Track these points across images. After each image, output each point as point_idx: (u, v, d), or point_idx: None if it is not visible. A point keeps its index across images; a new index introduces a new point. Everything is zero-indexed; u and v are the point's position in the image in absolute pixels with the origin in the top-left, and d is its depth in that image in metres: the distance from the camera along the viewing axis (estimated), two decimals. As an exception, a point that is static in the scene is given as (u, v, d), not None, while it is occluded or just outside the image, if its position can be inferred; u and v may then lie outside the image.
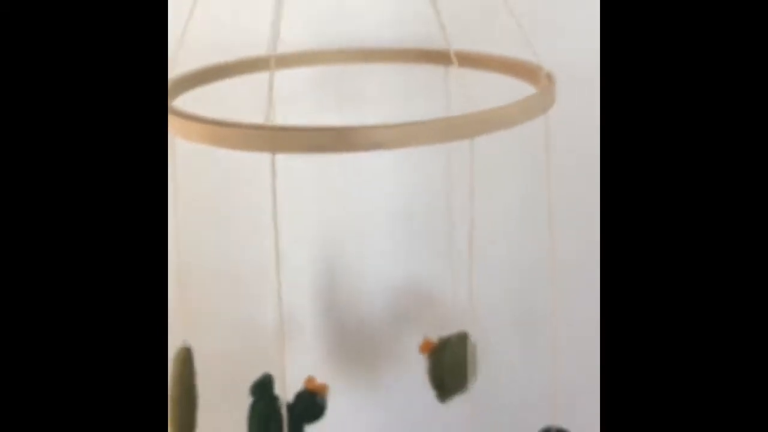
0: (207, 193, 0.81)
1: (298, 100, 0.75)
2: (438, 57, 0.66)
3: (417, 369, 0.78)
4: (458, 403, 0.74)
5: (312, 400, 0.69)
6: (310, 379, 0.70)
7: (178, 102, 0.60)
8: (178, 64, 0.60)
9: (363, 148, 0.48)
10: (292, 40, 0.68)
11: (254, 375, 0.70)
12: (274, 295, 0.76)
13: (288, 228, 0.79)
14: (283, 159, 0.69)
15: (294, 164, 0.74)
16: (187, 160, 0.61)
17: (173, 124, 0.52)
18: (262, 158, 0.64)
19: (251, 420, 0.69)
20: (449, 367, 0.75)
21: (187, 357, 0.65)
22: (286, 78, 0.70)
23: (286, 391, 0.67)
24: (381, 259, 0.85)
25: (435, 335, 0.76)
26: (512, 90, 0.59)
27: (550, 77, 0.56)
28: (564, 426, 0.64)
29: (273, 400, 0.68)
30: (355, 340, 0.88)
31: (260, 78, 0.69)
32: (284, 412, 0.66)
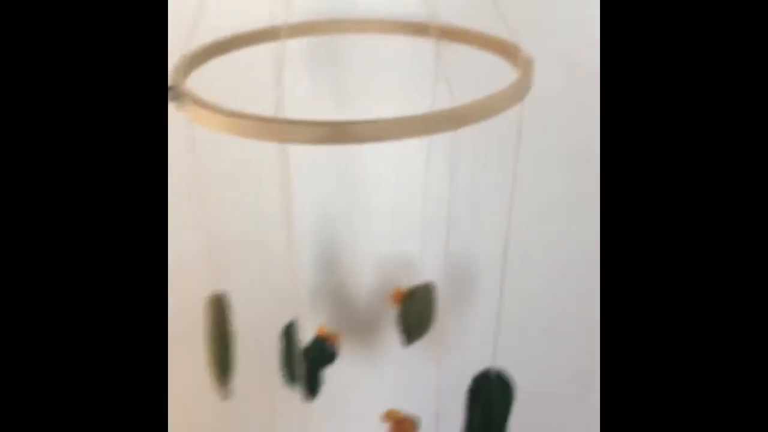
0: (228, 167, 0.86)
1: (297, 71, 0.79)
2: (424, 30, 0.71)
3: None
4: (455, 365, 0.82)
5: (323, 346, 0.79)
6: (321, 328, 0.81)
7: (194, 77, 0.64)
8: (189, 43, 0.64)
9: (361, 140, 0.53)
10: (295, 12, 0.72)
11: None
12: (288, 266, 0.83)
13: (297, 204, 0.85)
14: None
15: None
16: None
17: (189, 109, 0.57)
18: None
19: (280, 361, 0.79)
20: (415, 314, 0.83)
21: (220, 303, 0.71)
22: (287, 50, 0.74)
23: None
24: (381, 234, 0.90)
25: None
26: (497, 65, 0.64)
27: (528, 60, 0.61)
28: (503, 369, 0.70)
29: (294, 344, 0.78)
30: (356, 309, 0.95)
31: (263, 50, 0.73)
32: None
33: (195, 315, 0.94)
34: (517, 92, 0.57)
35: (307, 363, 0.79)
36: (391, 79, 0.79)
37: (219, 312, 0.71)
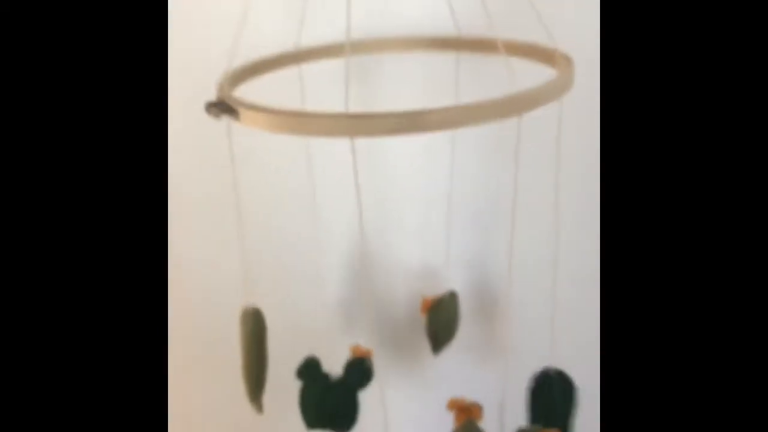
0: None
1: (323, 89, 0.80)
2: (450, 44, 0.74)
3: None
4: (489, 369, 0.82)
5: (363, 365, 0.76)
6: (356, 348, 0.78)
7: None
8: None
9: (433, 129, 0.54)
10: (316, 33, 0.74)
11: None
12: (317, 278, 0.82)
13: (324, 212, 0.85)
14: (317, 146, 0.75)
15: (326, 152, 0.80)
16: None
17: (246, 115, 0.58)
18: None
19: (307, 404, 0.75)
20: (443, 322, 0.85)
21: (254, 317, 0.70)
22: (308, 71, 0.76)
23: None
24: (413, 240, 0.91)
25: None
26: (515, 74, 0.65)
27: (566, 57, 0.64)
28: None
29: (325, 379, 0.75)
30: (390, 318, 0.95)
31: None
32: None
33: (195, 315, 0.92)
34: (568, 80, 0.59)
35: (347, 391, 0.76)
36: (417, 95, 0.81)
37: (257, 326, 0.70)
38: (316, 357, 0.76)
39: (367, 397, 0.77)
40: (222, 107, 0.60)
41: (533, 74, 0.63)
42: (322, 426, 0.76)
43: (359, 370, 0.76)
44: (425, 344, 0.87)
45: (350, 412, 0.76)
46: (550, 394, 0.68)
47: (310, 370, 0.75)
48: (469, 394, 0.71)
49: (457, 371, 0.93)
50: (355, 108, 0.81)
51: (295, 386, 0.76)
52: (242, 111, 0.58)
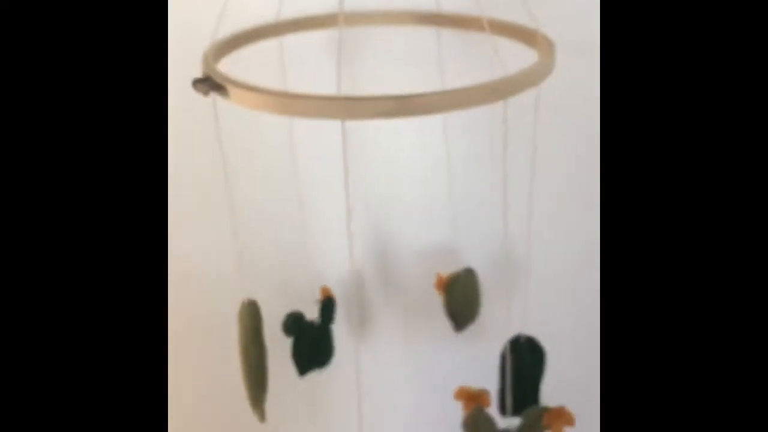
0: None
1: (305, 63, 0.80)
2: (433, 20, 0.74)
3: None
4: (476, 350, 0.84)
5: (332, 302, 0.83)
6: (324, 288, 0.84)
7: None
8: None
9: (426, 112, 0.55)
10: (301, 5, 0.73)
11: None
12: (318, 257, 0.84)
13: (325, 194, 0.85)
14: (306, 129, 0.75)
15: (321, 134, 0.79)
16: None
17: (235, 94, 0.57)
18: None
19: (301, 354, 0.80)
20: (461, 299, 0.85)
21: (252, 310, 0.70)
22: (291, 42, 0.75)
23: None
24: (416, 222, 0.92)
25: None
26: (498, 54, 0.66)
27: (548, 39, 0.65)
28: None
29: (311, 327, 0.81)
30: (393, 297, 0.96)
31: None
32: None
33: (195, 316, 0.94)
34: (550, 64, 0.61)
35: (325, 328, 0.83)
36: (399, 69, 0.81)
37: (254, 321, 0.70)
38: (298, 312, 0.80)
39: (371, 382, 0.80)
40: (209, 84, 0.59)
41: (515, 52, 0.64)
42: (313, 368, 0.83)
43: (330, 308, 0.83)
44: (432, 324, 0.89)
45: (330, 348, 0.84)
46: (521, 359, 0.70)
47: (297, 323, 0.81)
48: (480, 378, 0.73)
49: (471, 353, 0.93)
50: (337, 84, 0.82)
51: (294, 382, 0.80)
52: (231, 89, 0.58)
